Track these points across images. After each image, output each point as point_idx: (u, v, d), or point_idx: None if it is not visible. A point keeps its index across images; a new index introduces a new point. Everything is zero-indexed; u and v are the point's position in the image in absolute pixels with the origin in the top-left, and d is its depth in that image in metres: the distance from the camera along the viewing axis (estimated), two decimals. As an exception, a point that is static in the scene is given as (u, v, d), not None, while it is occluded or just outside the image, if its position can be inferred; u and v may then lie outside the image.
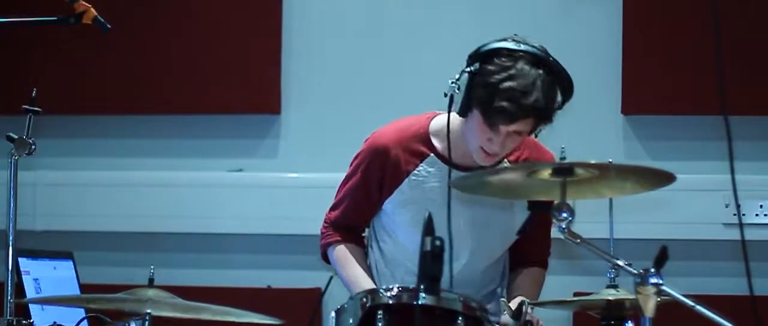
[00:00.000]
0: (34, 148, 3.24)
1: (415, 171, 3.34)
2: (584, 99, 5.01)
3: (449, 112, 3.19)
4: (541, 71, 3.10)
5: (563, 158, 2.62)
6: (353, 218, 3.50)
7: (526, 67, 3.08)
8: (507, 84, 3.06)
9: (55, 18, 3.27)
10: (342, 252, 3.46)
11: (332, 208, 3.53)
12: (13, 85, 4.87)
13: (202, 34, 5.21)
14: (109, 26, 3.27)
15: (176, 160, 5.23)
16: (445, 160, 3.31)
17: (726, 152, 2.74)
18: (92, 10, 3.24)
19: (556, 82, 3.14)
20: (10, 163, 3.23)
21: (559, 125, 4.94)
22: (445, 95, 3.18)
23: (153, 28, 5.22)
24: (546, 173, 2.61)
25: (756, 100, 4.84)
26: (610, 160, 2.88)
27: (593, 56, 5.03)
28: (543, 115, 3.10)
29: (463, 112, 3.16)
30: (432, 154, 3.32)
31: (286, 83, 5.16)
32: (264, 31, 5.17)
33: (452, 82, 3.14)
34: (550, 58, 3.13)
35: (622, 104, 4.99)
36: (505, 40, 3.14)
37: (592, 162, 2.58)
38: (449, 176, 3.27)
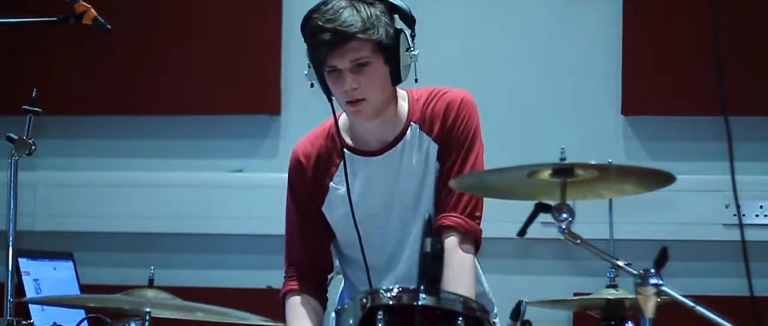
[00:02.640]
0: (34, 149, 3.23)
1: (338, 173, 3.27)
2: (584, 99, 5.06)
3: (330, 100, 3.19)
4: (353, 2, 3.07)
5: (563, 158, 2.62)
6: (305, 251, 3.32)
7: (336, 3, 3.07)
8: (318, 23, 3.05)
9: (55, 18, 3.27)
10: (291, 308, 3.26)
11: (285, 248, 3.38)
12: (13, 85, 4.87)
13: (202, 35, 5.21)
14: (109, 27, 3.27)
15: (176, 161, 5.23)
16: (355, 150, 3.25)
17: (726, 152, 2.74)
18: (92, 10, 3.24)
19: (376, 7, 3.09)
20: (10, 163, 3.23)
21: (559, 125, 4.98)
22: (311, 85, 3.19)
23: (153, 29, 5.22)
24: (546, 173, 2.61)
25: (756, 100, 4.84)
26: (610, 161, 2.89)
27: (593, 56, 5.03)
28: (361, 32, 3.04)
29: (321, 84, 3.15)
30: (345, 150, 3.25)
31: (286, 83, 5.16)
32: (264, 32, 5.17)
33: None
34: None
35: (622, 104, 4.99)
36: None
37: (592, 162, 2.58)
38: (345, 166, 3.23)
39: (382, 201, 3.24)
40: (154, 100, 5.21)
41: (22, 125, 3.23)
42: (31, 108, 3.25)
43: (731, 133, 2.72)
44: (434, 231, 3.13)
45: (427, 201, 3.22)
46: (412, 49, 3.15)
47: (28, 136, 3.23)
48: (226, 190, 5.14)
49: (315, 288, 3.30)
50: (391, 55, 3.11)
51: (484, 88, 5.00)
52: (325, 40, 3.04)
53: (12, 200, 3.22)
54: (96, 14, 3.24)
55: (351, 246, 3.29)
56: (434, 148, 3.22)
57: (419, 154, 3.22)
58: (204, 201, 5.12)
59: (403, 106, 3.26)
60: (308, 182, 3.29)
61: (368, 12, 3.07)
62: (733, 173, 2.75)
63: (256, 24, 5.15)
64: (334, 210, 3.28)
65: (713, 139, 4.74)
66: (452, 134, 3.20)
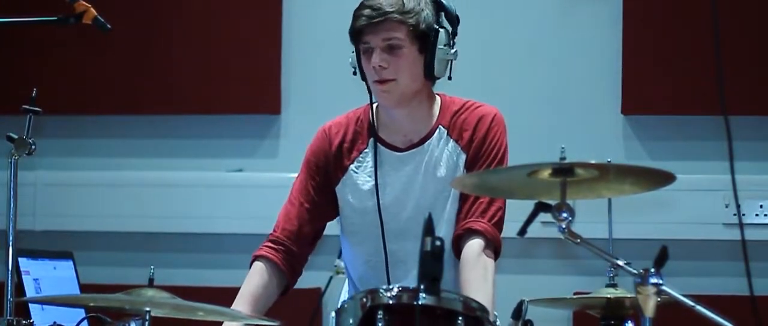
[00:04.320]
0: (34, 148, 3.23)
1: (359, 159, 3.32)
2: (584, 99, 5.06)
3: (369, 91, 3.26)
4: None
5: (563, 158, 2.62)
6: (293, 221, 3.35)
7: None
8: (363, 2, 3.20)
9: (55, 18, 3.27)
10: (249, 276, 3.32)
11: (277, 218, 3.41)
12: (13, 85, 4.87)
13: (202, 34, 5.21)
14: (109, 26, 3.27)
15: (176, 160, 5.23)
16: (382, 142, 3.30)
17: (726, 152, 2.74)
18: (92, 10, 3.24)
19: (423, 1, 3.19)
20: (10, 163, 3.22)
21: (559, 124, 4.98)
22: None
23: (153, 28, 5.22)
24: (546, 173, 2.61)
25: (756, 100, 4.84)
26: (610, 160, 2.88)
27: (593, 56, 5.04)
28: (400, 15, 3.14)
29: (359, 68, 3.25)
30: (371, 139, 3.31)
31: (286, 83, 5.16)
32: (264, 31, 5.17)
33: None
34: None
35: (622, 104, 4.99)
36: None
37: (592, 162, 2.58)
38: (376, 164, 3.27)
39: (395, 196, 3.28)
40: (155, 100, 5.21)
41: (22, 125, 3.23)
42: (31, 107, 3.25)
43: (731, 132, 2.72)
44: (458, 234, 3.18)
45: (450, 208, 3.25)
46: (451, 46, 3.23)
47: (28, 136, 3.22)
48: (226, 190, 5.14)
49: (287, 261, 3.34)
50: (426, 44, 3.18)
51: (484, 87, 5.01)
52: (363, 16, 3.16)
53: (12, 199, 3.22)
54: (96, 14, 3.24)
55: (363, 234, 3.31)
56: (463, 157, 3.27)
57: (444, 158, 3.27)
58: (204, 201, 5.12)
59: (435, 107, 3.32)
60: (329, 157, 3.34)
61: (413, 1, 3.17)
62: (733, 173, 2.75)
63: (256, 24, 5.15)
64: (348, 193, 3.32)
65: (713, 138, 4.74)
66: (484, 147, 3.27)
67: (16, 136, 3.22)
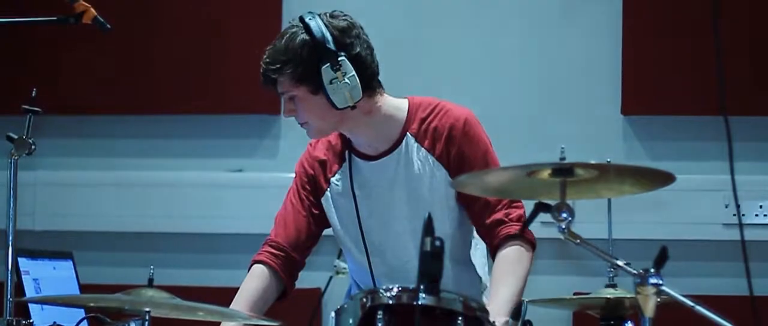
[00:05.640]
0: (34, 148, 3.23)
1: (341, 171, 3.33)
2: (584, 99, 5.06)
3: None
4: (294, 31, 3.17)
5: (563, 158, 2.61)
6: (288, 227, 3.37)
7: (286, 31, 3.20)
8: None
9: (55, 18, 3.27)
10: (247, 279, 3.34)
11: (273, 226, 3.44)
12: (13, 84, 4.87)
13: (202, 34, 5.21)
14: (108, 26, 3.27)
15: (176, 160, 5.23)
16: (357, 153, 3.30)
17: (726, 152, 2.74)
18: (92, 10, 3.24)
19: (299, 38, 3.15)
20: (10, 163, 3.22)
21: (559, 125, 4.98)
22: None
23: (153, 28, 5.22)
24: (545, 173, 2.61)
25: (756, 101, 4.84)
26: (610, 160, 2.88)
27: (593, 56, 5.04)
28: (276, 71, 3.17)
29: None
30: (347, 151, 3.32)
31: (286, 83, 5.16)
32: (264, 31, 5.14)
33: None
34: (304, 19, 3.15)
35: (622, 104, 4.99)
36: None
37: (592, 162, 2.58)
38: (351, 175, 3.29)
39: (376, 204, 3.28)
40: (154, 100, 5.21)
41: (21, 125, 3.23)
42: (30, 107, 3.25)
43: (731, 132, 2.72)
44: (497, 243, 3.16)
45: (441, 218, 3.20)
46: (338, 78, 3.13)
47: (28, 136, 3.22)
48: (225, 190, 5.14)
49: (286, 268, 3.35)
50: (315, 85, 3.14)
51: (484, 87, 5.02)
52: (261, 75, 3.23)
53: (12, 199, 3.22)
54: (96, 14, 3.24)
55: (352, 243, 3.33)
56: (440, 168, 3.23)
57: (416, 166, 3.25)
58: (204, 201, 5.12)
59: (399, 114, 3.27)
60: (314, 170, 3.35)
61: (288, 46, 3.15)
62: (732, 173, 2.75)
63: (256, 24, 5.14)
64: (332, 204, 3.33)
65: (713, 138, 4.74)
66: (466, 159, 3.22)
67: (16, 136, 3.22)
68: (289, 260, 3.35)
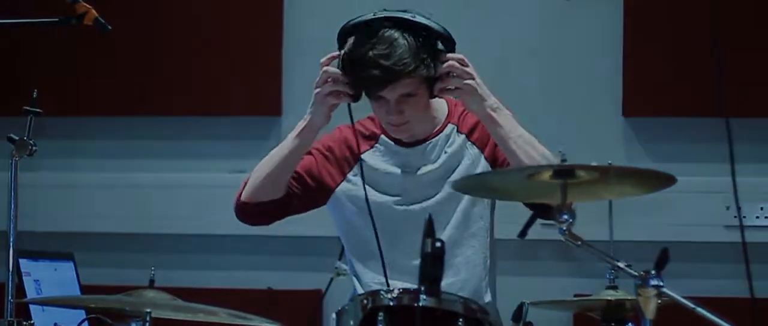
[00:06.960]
0: (35, 150, 3.23)
1: (370, 151, 3.34)
2: (585, 101, 5.06)
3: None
4: (403, 32, 3.12)
5: (564, 160, 2.62)
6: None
7: (388, 32, 3.12)
8: (370, 54, 3.11)
9: (56, 19, 3.27)
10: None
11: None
12: (14, 86, 4.86)
13: (203, 36, 5.21)
14: (109, 27, 3.27)
15: (178, 162, 5.23)
16: (395, 140, 3.33)
17: (727, 154, 2.74)
18: (93, 11, 3.24)
19: (424, 37, 3.15)
20: (11, 164, 3.22)
21: (559, 127, 4.98)
22: None
23: (154, 30, 5.22)
24: (546, 175, 2.61)
25: (757, 102, 4.84)
26: (611, 162, 2.89)
27: (594, 58, 5.04)
28: (412, 71, 3.11)
29: (356, 96, 3.19)
30: (382, 135, 3.34)
31: (286, 85, 5.16)
32: (265, 33, 5.17)
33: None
34: (413, 18, 3.14)
35: (623, 106, 4.99)
36: (366, 14, 3.18)
37: (593, 164, 2.58)
38: (361, 171, 3.29)
39: (413, 185, 3.30)
40: (155, 102, 5.21)
41: (22, 126, 3.23)
42: (31, 109, 3.25)
43: (732, 134, 2.72)
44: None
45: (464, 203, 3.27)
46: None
47: (29, 137, 3.22)
48: (227, 191, 5.11)
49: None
50: (431, 84, 3.19)
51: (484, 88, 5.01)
52: (376, 76, 3.11)
53: (13, 201, 3.22)
54: (97, 15, 3.24)
55: (365, 231, 3.32)
56: (479, 155, 3.31)
57: (457, 153, 3.31)
58: (205, 203, 5.12)
59: (441, 106, 3.36)
60: (343, 151, 3.35)
61: (417, 45, 3.13)
62: (733, 175, 2.75)
63: (257, 25, 5.15)
64: (346, 199, 3.34)
65: (714, 140, 4.72)
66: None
67: (17, 138, 3.22)
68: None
